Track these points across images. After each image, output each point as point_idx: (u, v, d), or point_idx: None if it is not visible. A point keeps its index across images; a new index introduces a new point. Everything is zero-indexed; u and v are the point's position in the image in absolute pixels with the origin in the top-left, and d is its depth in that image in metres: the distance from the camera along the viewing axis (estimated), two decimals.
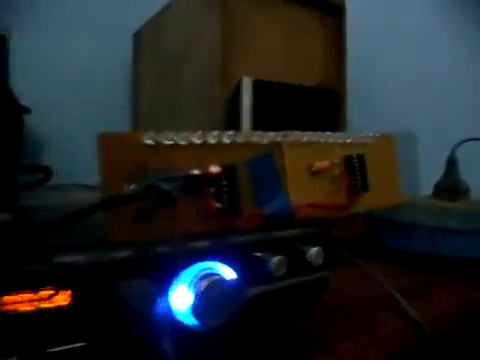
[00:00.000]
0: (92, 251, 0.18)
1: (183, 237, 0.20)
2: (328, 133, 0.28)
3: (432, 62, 0.67)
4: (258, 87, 0.35)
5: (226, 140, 0.23)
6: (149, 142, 0.21)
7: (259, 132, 0.25)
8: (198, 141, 0.22)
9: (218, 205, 0.22)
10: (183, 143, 0.22)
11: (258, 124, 0.35)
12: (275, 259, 0.20)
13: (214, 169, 0.21)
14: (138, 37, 0.70)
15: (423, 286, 0.34)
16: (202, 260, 0.19)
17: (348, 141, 0.29)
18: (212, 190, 0.22)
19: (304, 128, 0.29)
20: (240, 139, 0.24)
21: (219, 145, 0.23)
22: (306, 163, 0.27)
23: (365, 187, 0.29)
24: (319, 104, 0.39)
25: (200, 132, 0.22)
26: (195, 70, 0.49)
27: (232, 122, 0.35)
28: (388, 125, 0.66)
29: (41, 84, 0.69)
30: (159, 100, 0.60)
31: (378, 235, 0.40)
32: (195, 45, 0.48)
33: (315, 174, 0.27)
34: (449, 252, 0.35)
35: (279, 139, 0.25)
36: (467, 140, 0.41)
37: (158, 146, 0.21)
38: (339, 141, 0.29)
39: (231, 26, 0.42)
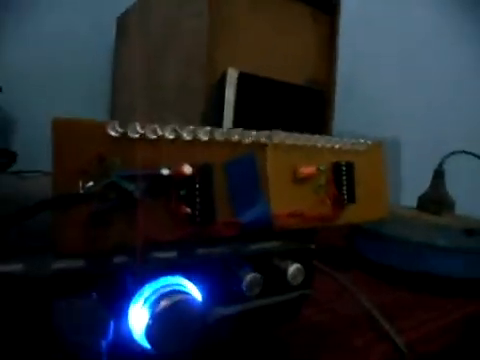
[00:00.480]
0: (33, 259, 0.15)
1: (145, 247, 0.18)
2: (317, 136, 0.26)
3: (427, 66, 0.65)
4: (243, 80, 0.33)
5: (203, 137, 0.21)
6: (113, 133, 0.18)
7: (241, 130, 0.22)
8: (171, 136, 0.19)
9: (188, 210, 0.19)
10: (153, 137, 0.19)
11: (240, 119, 0.32)
12: (249, 277, 0.18)
13: (186, 169, 0.19)
14: (122, 20, 0.66)
15: (407, 305, 0.32)
16: (165, 275, 0.17)
17: (337, 147, 0.27)
18: (182, 193, 0.19)
19: (289, 128, 0.27)
20: (219, 137, 0.21)
21: (195, 142, 0.20)
22: (290, 168, 0.24)
23: (352, 199, 0.26)
24: (306, 104, 0.36)
25: (173, 125, 0.19)
26: (179, 57, 0.46)
27: (213, 114, 0.33)
28: (371, 128, 0.65)
29: (17, 63, 0.65)
30: (139, 87, 0.57)
31: (361, 247, 0.38)
32: (181, 31, 0.45)
33: (299, 181, 0.24)
34: (435, 270, 0.33)
35: (263, 140, 0.23)
36: (454, 152, 0.40)
37: (123, 139, 0.18)
38: (328, 146, 0.26)
39: (219, 15, 0.39)
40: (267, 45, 0.46)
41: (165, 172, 0.18)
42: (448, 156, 0.41)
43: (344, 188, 0.26)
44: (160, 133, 0.19)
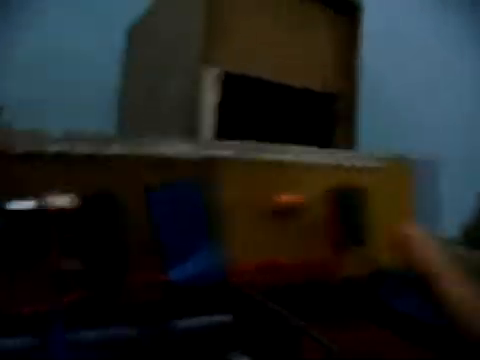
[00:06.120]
0: None
1: None
2: (312, 149, 0.18)
3: (465, 74, 0.55)
4: (230, 82, 0.25)
5: (105, 149, 0.13)
6: None
7: (179, 142, 0.15)
8: (49, 149, 0.12)
9: (72, 265, 0.12)
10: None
11: (226, 127, 0.25)
12: None
13: (59, 199, 0.11)
14: (131, 33, 0.62)
15: None
16: None
17: (342, 164, 0.19)
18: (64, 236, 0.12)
19: (289, 139, 0.20)
20: (135, 149, 0.14)
21: (94, 158, 0.13)
22: (264, 196, 0.16)
23: (358, 239, 0.18)
24: (311, 110, 0.29)
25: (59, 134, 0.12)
26: (182, 68, 0.41)
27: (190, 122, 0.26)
28: (406, 145, 0.55)
29: (25, 80, 0.62)
30: (143, 107, 0.51)
31: (383, 295, 0.29)
32: (181, 43, 0.40)
33: (278, 215, 0.16)
34: None
35: (216, 153, 0.15)
36: None
37: None
38: (325, 162, 0.18)
39: (216, 16, 0.33)
40: (278, 48, 0.41)
41: (27, 205, 0.11)
42: None
43: (351, 224, 0.18)
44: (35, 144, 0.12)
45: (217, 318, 0.13)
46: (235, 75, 0.26)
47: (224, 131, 0.26)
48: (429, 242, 0.16)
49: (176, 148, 0.15)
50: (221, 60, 0.35)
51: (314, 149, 0.18)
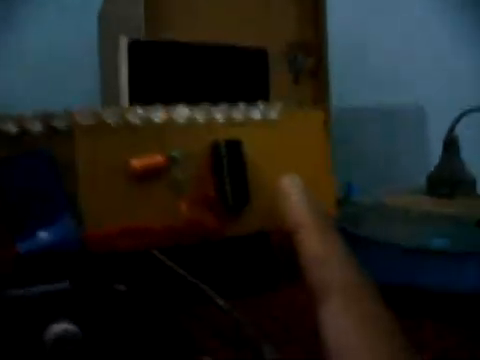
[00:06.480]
0: None
1: None
2: (181, 107, 0.17)
3: (443, 24, 0.52)
4: (138, 49, 0.25)
5: None
6: None
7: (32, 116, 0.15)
8: None
9: None
10: None
11: (143, 96, 0.25)
12: None
13: None
14: (100, 15, 0.62)
15: None
16: None
17: (220, 119, 0.18)
18: None
19: (215, 100, 0.19)
20: None
21: None
22: (125, 161, 0.16)
23: (241, 198, 0.17)
24: (236, 68, 0.28)
25: None
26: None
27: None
28: (390, 97, 0.52)
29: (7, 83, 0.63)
30: (108, 84, 0.52)
31: None
32: (124, 16, 0.40)
33: (138, 178, 0.16)
34: (426, 284, 0.23)
35: (59, 123, 0.15)
36: (471, 110, 0.28)
37: None
38: (200, 120, 0.17)
39: None
40: (233, 9, 0.40)
41: None
42: (460, 118, 0.29)
43: (227, 182, 0.17)
44: None
45: (51, 287, 0.13)
46: (144, 42, 0.25)
47: (150, 97, 0.26)
48: (299, 194, 0.15)
49: (30, 121, 0.15)
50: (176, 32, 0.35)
51: (185, 108, 0.17)
